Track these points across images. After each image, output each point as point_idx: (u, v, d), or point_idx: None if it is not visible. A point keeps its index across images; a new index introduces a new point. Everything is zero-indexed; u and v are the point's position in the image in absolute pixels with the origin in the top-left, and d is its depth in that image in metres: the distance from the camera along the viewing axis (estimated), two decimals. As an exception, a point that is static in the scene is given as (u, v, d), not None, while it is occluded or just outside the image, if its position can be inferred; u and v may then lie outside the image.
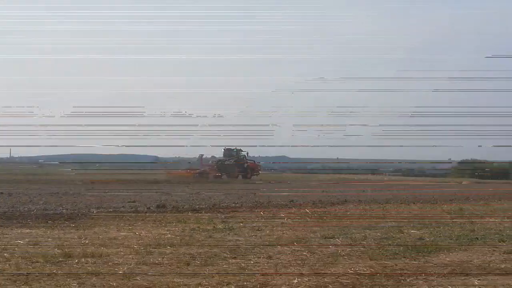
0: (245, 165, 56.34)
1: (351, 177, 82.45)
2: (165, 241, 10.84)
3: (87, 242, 10.66)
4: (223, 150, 57.56)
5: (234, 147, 56.48)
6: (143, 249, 9.86)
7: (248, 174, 55.42)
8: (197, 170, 54.73)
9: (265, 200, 23.11)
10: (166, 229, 12.92)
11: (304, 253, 9.77)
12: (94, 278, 7.48)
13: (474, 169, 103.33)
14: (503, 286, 7.43)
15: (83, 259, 8.79)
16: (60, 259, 8.81)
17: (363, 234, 12.45)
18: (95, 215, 15.77)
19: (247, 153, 57.17)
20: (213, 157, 60.12)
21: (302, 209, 18.76)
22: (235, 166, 55.65)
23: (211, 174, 53.59)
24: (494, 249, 10.67)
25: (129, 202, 20.81)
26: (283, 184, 45.09)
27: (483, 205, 22.95)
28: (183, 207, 18.87)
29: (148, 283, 7.21)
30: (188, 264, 8.52)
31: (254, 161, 58.23)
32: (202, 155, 59.36)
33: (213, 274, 7.79)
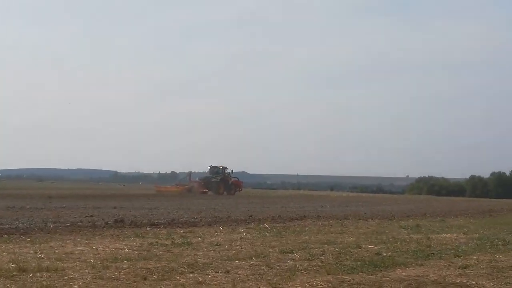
0: (230, 182, 59.16)
1: (311, 193, 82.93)
2: (122, 256, 10.73)
3: (42, 256, 10.49)
4: (209, 167, 60.63)
5: (220, 166, 60.10)
6: (100, 263, 9.74)
7: (232, 190, 58.28)
8: (186, 186, 57.43)
9: (225, 215, 23.08)
10: (124, 243, 12.81)
11: (262, 268, 9.77)
12: (48, 293, 7.36)
13: (431, 186, 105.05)
14: (457, 300, 7.54)
15: (38, 274, 8.64)
16: (14, 274, 8.64)
17: (322, 249, 12.51)
18: (51, 230, 15.54)
19: (232, 171, 60.22)
20: (189, 172, 63.24)
21: (261, 224, 18.77)
22: (221, 183, 58.23)
23: (198, 190, 55.99)
24: (450, 264, 10.82)
25: (86, 216, 20.58)
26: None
27: (440, 221, 23.27)
28: (141, 222, 18.72)
29: (104, 298, 7.12)
30: (145, 279, 8.44)
31: (237, 178, 61.60)
32: (191, 172, 63.59)
33: (170, 289, 7.73)
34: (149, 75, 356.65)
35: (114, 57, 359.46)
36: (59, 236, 14.09)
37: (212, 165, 60.75)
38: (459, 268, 10.28)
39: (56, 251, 11.30)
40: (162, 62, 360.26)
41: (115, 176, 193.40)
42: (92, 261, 10.02)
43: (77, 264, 9.70)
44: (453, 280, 9.03)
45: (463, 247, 13.62)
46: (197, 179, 60.35)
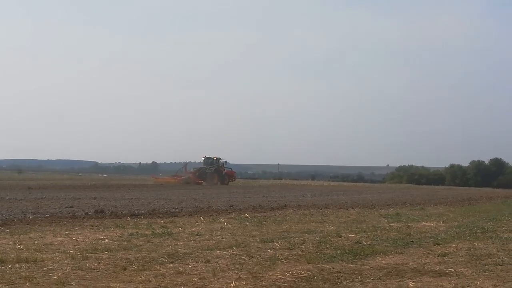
0: (223, 172, 61.08)
1: (292, 182, 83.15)
2: (102, 246, 10.69)
3: (21, 247, 10.41)
4: (203, 158, 62.41)
5: (214, 157, 61.77)
6: (79, 254, 9.69)
7: (226, 180, 60.27)
8: (183, 177, 59.07)
9: (205, 205, 23.06)
10: (104, 234, 12.75)
11: (243, 257, 9.77)
12: (27, 284, 7.30)
13: (411, 175, 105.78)
14: (436, 287, 7.58)
15: (17, 265, 8.57)
16: (-7, 265, 8.58)
17: (302, 238, 12.54)
18: (31, 221, 15.44)
19: (226, 162, 62.42)
20: (185, 164, 65.89)
21: (242, 214, 18.77)
22: (215, 173, 59.84)
23: (193, 181, 57.29)
24: (429, 252, 10.90)
25: (66, 207, 20.46)
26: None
27: (420, 210, 23.41)
28: (122, 212, 18.65)
29: (83, 288, 7.08)
30: (125, 269, 8.41)
31: (231, 168, 63.57)
32: (186, 163, 66.61)
33: (150, 279, 7.71)
34: (130, 67, 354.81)
35: (96, 47, 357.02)
36: (38, 227, 13.99)
37: (206, 156, 62.28)
38: (438, 256, 10.35)
39: (36, 242, 11.22)
40: (139, 54, 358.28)
41: (96, 167, 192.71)
42: (72, 252, 9.97)
43: (57, 255, 9.64)
44: (432, 268, 9.09)
45: (442, 235, 13.72)
46: (191, 169, 61.73)
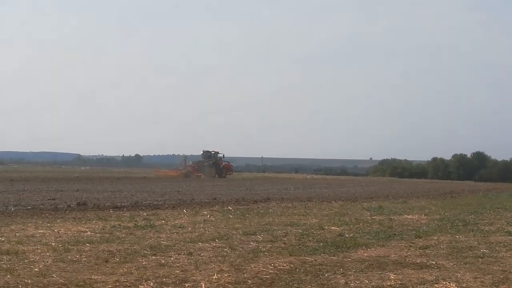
0: (221, 166, 63.15)
1: (275, 175, 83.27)
2: (84, 239, 10.66)
3: (3, 239, 10.35)
4: (202, 152, 64.69)
5: (212, 150, 64.20)
6: (61, 246, 9.65)
7: (223, 173, 62.25)
8: (183, 171, 60.80)
9: (188, 198, 23.04)
10: (86, 226, 12.71)
11: (225, 250, 9.78)
12: (8, 276, 7.26)
13: (394, 168, 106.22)
14: (417, 279, 7.61)
15: (-3, 257, 8.53)
16: (-26, 257, 8.52)
17: (285, 231, 12.57)
18: (13, 213, 15.35)
19: (223, 155, 64.74)
20: (184, 157, 68.27)
21: (225, 207, 18.78)
22: (213, 166, 61.94)
23: (193, 174, 59.36)
24: (411, 244, 10.95)
25: (49, 199, 20.36)
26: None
27: (402, 203, 23.53)
28: (104, 205, 18.60)
29: (64, 280, 7.04)
30: (106, 261, 8.39)
31: (228, 162, 65.55)
32: (186, 156, 68.90)
33: (132, 271, 7.69)
34: (110, 58, 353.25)
35: (72, 35, 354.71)
36: (20, 219, 13.92)
37: (205, 149, 64.43)
38: (419, 249, 10.41)
39: (17, 234, 11.17)
40: (121, 44, 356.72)
41: (78, 159, 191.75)
42: (54, 244, 9.93)
43: (38, 247, 9.60)
44: (413, 260, 9.14)
45: (424, 228, 13.80)
46: (190, 163, 63.79)
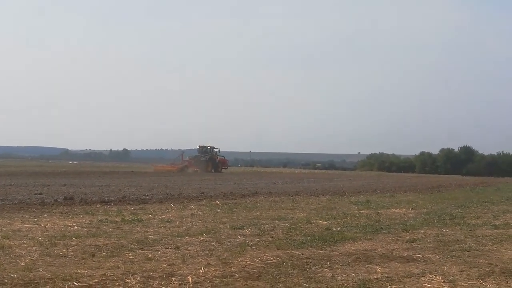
0: (217, 160, 64.32)
1: (264, 170, 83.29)
2: (71, 233, 10.61)
3: (-12, 234, 10.30)
4: (198, 147, 65.98)
5: (208, 145, 65.56)
6: (48, 241, 9.61)
7: (219, 168, 63.71)
8: (180, 165, 61.68)
9: (176, 192, 23.01)
10: (73, 220, 12.66)
11: (213, 244, 9.77)
12: (-6, 270, 7.22)
13: (382, 162, 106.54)
14: (404, 272, 7.64)
15: (-17, 251, 8.49)
16: (-41, 252, 8.47)
17: (272, 225, 12.57)
18: (-2, 207, 15.27)
19: (219, 150, 66.01)
20: (182, 152, 68.79)
21: (213, 201, 18.76)
22: (209, 161, 63.24)
23: (190, 168, 60.40)
24: (398, 238, 10.99)
25: (35, 194, 20.28)
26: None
27: (389, 197, 23.60)
28: (91, 199, 18.53)
29: (50, 275, 7.00)
30: (93, 255, 8.36)
31: (223, 156, 66.71)
32: (183, 152, 69.67)
33: (119, 265, 7.66)
34: (102, 55, 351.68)
35: (63, 31, 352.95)
36: (6, 213, 13.85)
37: (201, 144, 65.85)
38: (406, 242, 10.44)
39: (3, 228, 11.11)
40: (109, 40, 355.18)
41: (66, 154, 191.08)
42: (40, 238, 9.89)
43: (25, 241, 9.56)
44: (400, 254, 9.17)
45: (411, 221, 13.85)
46: (187, 158, 64.69)
